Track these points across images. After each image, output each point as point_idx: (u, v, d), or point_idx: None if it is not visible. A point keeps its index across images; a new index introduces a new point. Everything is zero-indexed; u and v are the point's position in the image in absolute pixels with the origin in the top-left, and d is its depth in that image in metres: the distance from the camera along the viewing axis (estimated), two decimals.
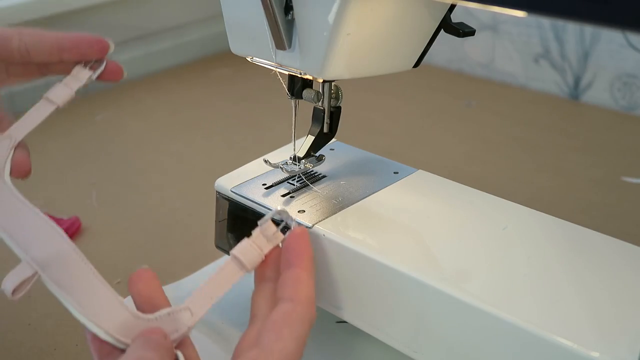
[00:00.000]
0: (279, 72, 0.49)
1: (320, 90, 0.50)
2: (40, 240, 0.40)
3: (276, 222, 0.44)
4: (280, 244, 0.43)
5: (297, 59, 0.46)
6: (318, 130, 0.52)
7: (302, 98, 0.51)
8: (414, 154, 0.86)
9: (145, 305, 0.40)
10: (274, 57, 0.47)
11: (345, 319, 0.47)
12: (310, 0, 0.43)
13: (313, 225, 0.46)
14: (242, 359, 0.37)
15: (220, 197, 0.52)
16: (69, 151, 0.88)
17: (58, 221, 0.66)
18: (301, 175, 0.52)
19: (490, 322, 0.39)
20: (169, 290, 0.44)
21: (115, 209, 0.75)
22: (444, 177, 0.53)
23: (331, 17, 0.42)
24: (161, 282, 0.42)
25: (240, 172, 0.54)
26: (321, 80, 0.48)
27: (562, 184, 0.79)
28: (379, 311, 0.44)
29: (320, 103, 0.51)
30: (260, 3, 0.44)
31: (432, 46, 0.49)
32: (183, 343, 0.39)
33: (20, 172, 0.45)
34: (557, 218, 0.47)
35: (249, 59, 0.50)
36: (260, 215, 0.46)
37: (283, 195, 0.50)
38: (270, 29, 0.46)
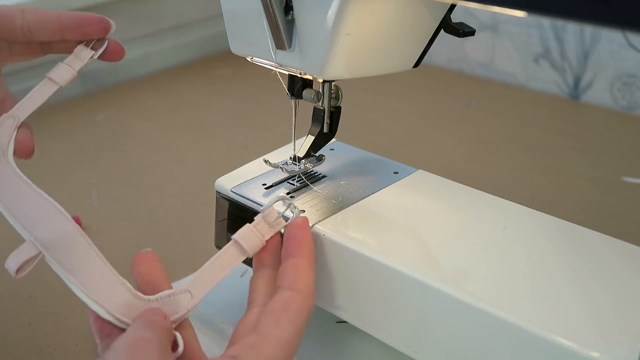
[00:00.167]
0: (279, 72, 0.49)
1: (320, 90, 0.50)
2: (44, 221, 0.40)
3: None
4: (283, 230, 0.44)
5: (297, 59, 0.46)
6: (318, 130, 0.52)
7: (302, 98, 0.51)
8: (414, 154, 0.86)
9: (147, 287, 0.40)
10: (274, 57, 0.47)
11: (345, 319, 0.47)
12: (310, 0, 0.43)
13: (313, 225, 0.46)
14: (240, 344, 0.37)
15: (220, 197, 0.52)
16: (69, 151, 0.88)
17: None
18: (301, 175, 0.52)
19: (490, 322, 0.39)
20: None
21: (115, 209, 0.75)
22: (444, 177, 0.53)
23: (331, 17, 0.42)
24: None
25: (240, 172, 0.54)
26: (321, 80, 0.48)
27: (562, 184, 0.79)
28: (379, 311, 0.44)
29: (320, 103, 0.51)
30: (260, 3, 0.44)
31: (432, 46, 0.49)
32: (182, 325, 0.40)
33: (23, 152, 0.46)
34: (557, 218, 0.47)
35: (249, 59, 0.50)
36: None
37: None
38: (270, 29, 0.46)
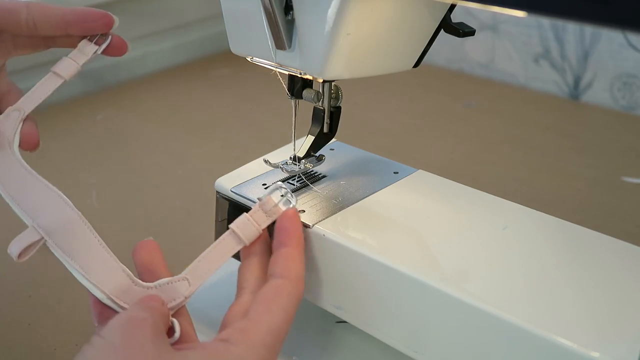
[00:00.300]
0: (279, 72, 0.49)
1: (320, 90, 0.50)
2: (47, 208, 0.42)
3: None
4: None
5: (297, 59, 0.46)
6: (318, 130, 0.52)
7: (302, 98, 0.51)
8: (414, 154, 0.86)
9: (146, 273, 0.42)
10: (274, 57, 0.47)
11: (345, 319, 0.47)
12: (310, 0, 0.43)
13: (313, 225, 0.46)
14: (231, 329, 0.38)
15: (220, 197, 0.52)
16: (69, 151, 0.88)
17: None
18: (301, 175, 0.52)
19: (490, 322, 0.39)
20: None
21: (115, 209, 0.75)
22: (444, 177, 0.53)
23: (331, 17, 0.42)
24: None
25: (240, 172, 0.54)
26: (321, 80, 0.48)
27: (561, 184, 0.79)
28: (379, 311, 0.44)
29: (320, 103, 0.51)
30: (260, 3, 0.44)
31: (432, 46, 0.49)
32: (179, 312, 0.41)
33: (29, 145, 0.47)
34: (557, 218, 0.47)
35: (249, 59, 0.50)
36: None
37: (283, 195, 0.50)
38: (270, 29, 0.46)
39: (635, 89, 0.98)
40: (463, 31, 0.47)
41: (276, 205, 0.45)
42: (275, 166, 0.52)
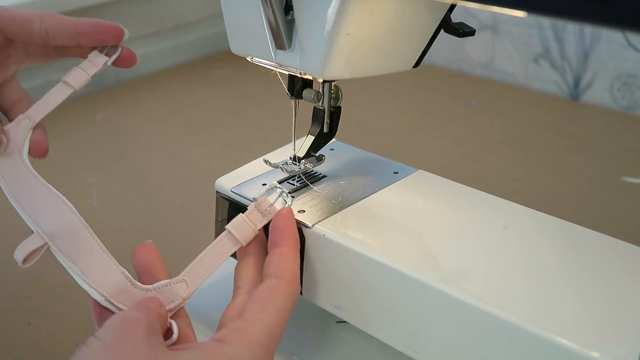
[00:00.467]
0: (279, 72, 0.49)
1: (320, 90, 0.50)
2: (50, 214, 0.43)
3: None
4: None
5: (297, 59, 0.46)
6: (318, 130, 0.52)
7: (302, 98, 0.51)
8: (414, 154, 0.86)
9: (146, 276, 0.43)
10: (274, 57, 0.47)
11: (345, 319, 0.47)
12: (310, 0, 0.43)
13: (313, 225, 0.46)
14: (227, 329, 0.38)
15: (220, 197, 0.52)
16: (69, 151, 0.88)
17: None
18: (301, 175, 0.52)
19: (490, 322, 0.39)
20: None
21: (115, 209, 0.75)
22: (444, 177, 0.53)
23: (331, 17, 0.42)
24: None
25: (240, 172, 0.54)
26: (321, 80, 0.48)
27: (561, 184, 0.79)
28: (379, 311, 0.44)
29: (320, 103, 0.51)
30: (260, 3, 0.44)
31: (432, 46, 0.49)
32: (178, 314, 0.42)
33: (38, 152, 0.48)
34: (557, 218, 0.47)
35: (249, 59, 0.50)
36: None
37: (279, 196, 0.50)
38: (270, 29, 0.46)
39: (635, 89, 0.98)
40: (463, 31, 0.47)
41: (272, 205, 0.45)
42: (275, 166, 0.52)
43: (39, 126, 0.49)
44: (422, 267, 0.42)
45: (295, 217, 0.47)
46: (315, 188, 0.51)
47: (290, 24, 0.45)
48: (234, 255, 0.45)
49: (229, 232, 0.44)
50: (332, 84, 0.50)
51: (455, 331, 0.41)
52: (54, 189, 0.44)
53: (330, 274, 0.46)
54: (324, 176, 0.53)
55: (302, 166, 0.52)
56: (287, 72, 0.49)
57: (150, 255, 0.44)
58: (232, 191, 0.51)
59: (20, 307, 0.60)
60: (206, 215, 0.63)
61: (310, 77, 0.48)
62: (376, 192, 0.50)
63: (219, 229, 0.53)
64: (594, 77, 1.01)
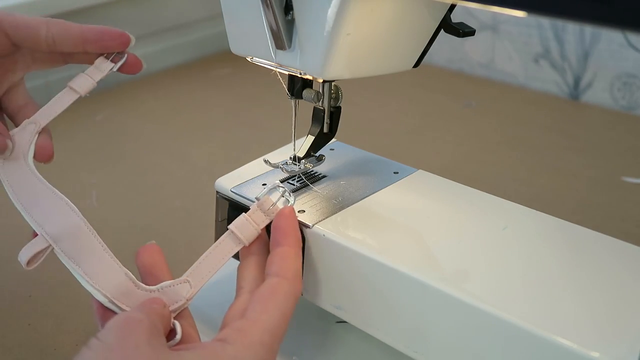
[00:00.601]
0: (279, 72, 0.49)
1: (320, 90, 0.50)
2: (55, 216, 0.44)
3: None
4: None
5: (297, 59, 0.46)
6: (318, 130, 0.52)
7: (302, 98, 0.51)
8: (414, 154, 0.86)
9: (149, 277, 0.43)
10: (274, 57, 0.47)
11: (345, 319, 0.47)
12: (310, 0, 0.43)
13: (313, 225, 0.46)
14: (229, 329, 0.38)
15: (220, 197, 0.52)
16: (69, 151, 0.88)
17: None
18: (301, 175, 0.52)
19: (490, 321, 0.39)
20: None
21: (115, 209, 0.75)
22: (444, 177, 0.53)
23: (331, 17, 0.42)
24: None
25: (240, 172, 0.54)
26: (321, 80, 0.48)
27: (561, 184, 0.79)
28: (379, 311, 0.44)
29: (320, 103, 0.51)
30: (260, 3, 0.44)
31: (432, 46, 0.49)
32: (182, 314, 0.42)
33: (43, 157, 0.49)
34: (557, 218, 0.47)
35: (249, 59, 0.50)
36: None
37: (282, 195, 0.50)
38: (270, 29, 0.46)
39: (635, 89, 0.98)
40: (463, 31, 0.47)
41: (274, 204, 0.45)
42: (275, 166, 0.52)
43: (44, 131, 0.49)
44: (422, 267, 0.42)
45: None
46: (315, 188, 0.51)
47: (290, 24, 0.45)
48: (236, 257, 0.45)
49: (232, 232, 0.44)
50: (332, 84, 0.50)
51: (455, 331, 0.41)
52: (59, 192, 0.45)
53: (331, 274, 0.46)
54: (324, 176, 0.53)
55: (302, 166, 0.52)
56: (287, 72, 0.49)
57: (153, 256, 0.44)
58: (232, 191, 0.51)
59: (20, 307, 0.60)
60: (206, 215, 0.63)
61: (310, 77, 0.48)
62: (376, 192, 0.50)
63: (219, 229, 0.53)
64: (594, 77, 1.01)
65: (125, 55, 0.51)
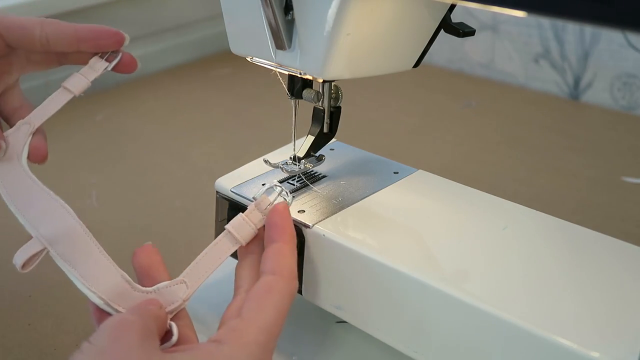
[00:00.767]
0: (279, 72, 0.49)
1: (320, 90, 0.50)
2: (50, 218, 0.43)
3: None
4: None
5: (297, 59, 0.46)
6: (318, 130, 0.52)
7: (302, 98, 0.51)
8: (414, 154, 0.86)
9: (146, 278, 0.43)
10: (274, 57, 0.47)
11: (345, 319, 0.47)
12: (310, 0, 0.43)
13: (313, 225, 0.46)
14: (224, 328, 0.38)
15: (220, 197, 0.52)
16: (69, 151, 0.88)
17: None
18: (301, 175, 0.52)
19: (490, 321, 0.39)
20: None
21: (115, 209, 0.75)
22: (444, 177, 0.53)
23: (331, 17, 0.42)
24: None
25: (241, 172, 0.54)
26: (321, 80, 0.48)
27: (561, 184, 0.79)
28: (379, 311, 0.44)
29: (320, 103, 0.51)
30: (260, 3, 0.44)
31: (432, 46, 0.49)
32: (179, 315, 0.42)
33: (37, 157, 0.48)
34: (557, 218, 0.47)
35: (249, 59, 0.50)
36: None
37: (279, 194, 0.50)
38: (270, 29, 0.46)
39: (635, 89, 0.98)
40: (463, 31, 0.47)
41: (271, 204, 0.45)
42: (275, 166, 0.52)
43: (38, 131, 0.49)
44: (422, 267, 0.42)
45: (296, 217, 0.47)
46: (315, 188, 0.51)
47: (290, 24, 0.45)
48: (235, 255, 0.45)
49: (229, 231, 0.44)
50: (332, 84, 0.50)
51: (455, 331, 0.41)
52: (53, 194, 0.44)
53: (330, 274, 0.46)
54: (324, 176, 0.53)
55: (302, 166, 0.52)
56: (287, 72, 0.49)
57: (150, 257, 0.43)
58: (232, 191, 0.51)
59: (20, 307, 0.60)
60: (206, 215, 0.63)
61: (310, 77, 0.48)
62: (376, 192, 0.50)
63: (219, 229, 0.53)
64: (594, 77, 1.01)
65: (120, 54, 0.51)
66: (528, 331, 0.37)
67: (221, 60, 1.20)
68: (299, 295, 0.48)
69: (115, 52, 0.51)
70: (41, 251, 0.42)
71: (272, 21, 0.45)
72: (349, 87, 0.54)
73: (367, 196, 0.50)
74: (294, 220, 0.47)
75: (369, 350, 0.50)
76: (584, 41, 1.00)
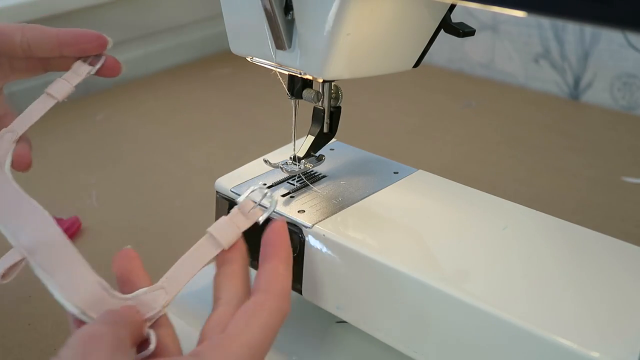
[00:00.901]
0: (279, 72, 0.49)
1: (320, 90, 0.50)
2: (29, 227, 0.42)
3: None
4: (261, 220, 0.43)
5: (297, 59, 0.46)
6: (318, 130, 0.52)
7: (302, 98, 0.51)
8: (414, 154, 0.86)
9: (126, 284, 0.41)
10: (274, 57, 0.47)
11: (345, 319, 0.47)
12: (310, 0, 0.43)
13: (313, 225, 0.46)
14: (206, 344, 0.36)
15: (220, 197, 0.52)
16: (69, 151, 0.88)
17: (58, 221, 0.66)
18: (301, 175, 0.52)
19: (490, 321, 0.39)
20: None
21: (115, 209, 0.75)
22: (444, 177, 0.53)
23: (331, 17, 0.42)
24: None
25: (240, 172, 0.54)
26: (321, 80, 0.48)
27: (561, 184, 0.79)
28: (379, 311, 0.44)
29: (320, 103, 0.51)
30: (260, 3, 0.44)
31: (432, 46, 0.49)
32: (159, 323, 0.39)
33: (21, 165, 0.47)
34: (557, 218, 0.47)
35: (249, 59, 0.50)
36: None
37: (283, 195, 0.50)
38: (270, 29, 0.46)
39: (635, 89, 0.98)
40: (463, 31, 0.47)
41: (255, 206, 0.43)
42: (275, 166, 0.52)
43: (22, 139, 0.48)
44: (422, 267, 0.42)
45: (296, 217, 0.47)
46: (315, 188, 0.51)
47: (290, 24, 0.45)
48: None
49: (211, 234, 0.42)
50: (332, 84, 0.50)
51: (455, 331, 0.41)
52: (36, 202, 0.43)
53: (330, 274, 0.46)
54: (324, 176, 0.53)
55: (302, 166, 0.52)
56: (287, 72, 0.49)
57: (130, 262, 0.41)
58: (232, 191, 0.51)
59: (20, 308, 0.60)
60: (206, 215, 0.63)
61: (310, 77, 0.48)
62: (376, 192, 0.50)
63: None
64: (594, 77, 1.01)
65: (103, 58, 0.50)
66: (528, 331, 0.37)
67: (221, 60, 1.20)
68: (299, 295, 0.48)
69: (98, 56, 0.50)
70: (20, 261, 0.41)
71: (272, 21, 0.45)
72: (349, 87, 0.54)
73: (367, 196, 0.50)
74: (294, 221, 0.47)
75: (369, 350, 0.50)
76: (584, 41, 1.00)
